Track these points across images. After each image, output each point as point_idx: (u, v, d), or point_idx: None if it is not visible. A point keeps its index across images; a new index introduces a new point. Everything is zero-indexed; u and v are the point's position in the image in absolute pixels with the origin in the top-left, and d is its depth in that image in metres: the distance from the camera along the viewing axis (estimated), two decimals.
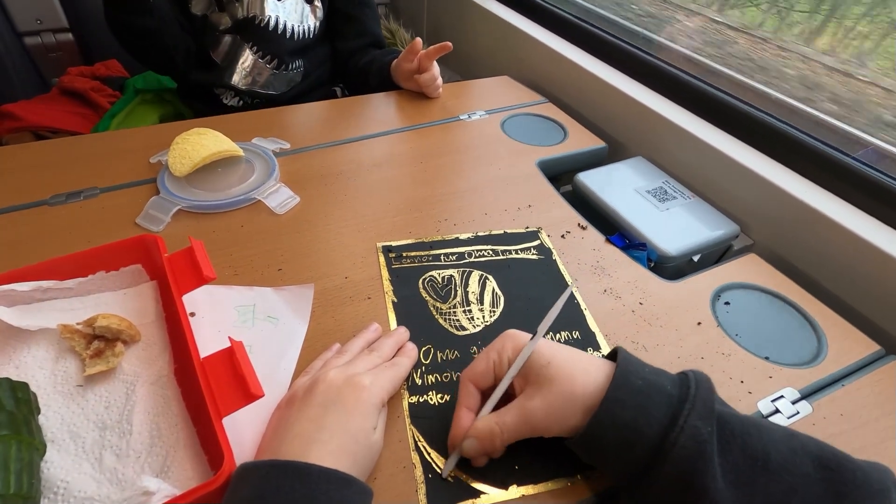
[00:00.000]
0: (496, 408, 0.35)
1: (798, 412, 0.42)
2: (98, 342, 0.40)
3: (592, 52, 0.88)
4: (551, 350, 0.34)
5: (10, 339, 0.40)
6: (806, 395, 0.44)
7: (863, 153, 0.67)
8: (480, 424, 0.34)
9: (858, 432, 0.41)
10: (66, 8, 1.11)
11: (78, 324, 0.40)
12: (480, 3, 1.10)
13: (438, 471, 0.36)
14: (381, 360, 0.40)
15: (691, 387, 0.31)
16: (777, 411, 0.42)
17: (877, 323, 0.53)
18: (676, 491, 0.29)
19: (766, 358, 0.46)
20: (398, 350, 0.42)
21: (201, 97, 0.87)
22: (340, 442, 0.32)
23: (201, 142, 0.61)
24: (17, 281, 0.40)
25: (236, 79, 0.84)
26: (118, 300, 0.45)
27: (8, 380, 0.33)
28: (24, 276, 0.41)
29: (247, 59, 0.83)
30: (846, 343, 0.49)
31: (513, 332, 0.37)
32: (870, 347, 0.48)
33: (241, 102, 0.87)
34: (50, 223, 0.54)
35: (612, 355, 0.35)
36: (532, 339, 0.35)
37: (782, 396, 0.43)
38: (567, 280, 0.52)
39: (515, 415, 0.33)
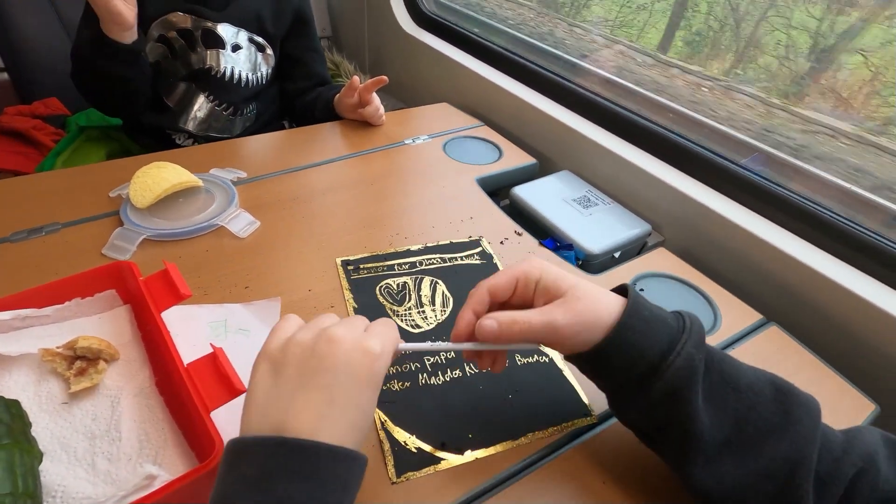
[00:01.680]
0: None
1: None
2: (80, 362, 0.43)
3: (520, 79, 0.98)
4: (573, 276, 0.37)
5: None
6: None
7: (752, 158, 0.79)
8: (506, 316, 0.36)
9: None
10: (1, 47, 1.11)
11: (58, 347, 0.43)
12: (416, 36, 1.19)
13: (403, 444, 0.41)
14: (364, 325, 0.36)
15: (686, 322, 0.37)
16: None
17: (760, 297, 0.64)
18: (664, 402, 0.34)
19: None
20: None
21: (154, 136, 0.90)
22: (352, 419, 0.30)
23: (161, 174, 0.64)
24: None
25: (191, 125, 0.87)
26: (94, 324, 0.48)
27: (1, 397, 0.36)
28: (3, 306, 0.43)
29: (202, 107, 0.86)
30: (736, 315, 0.59)
31: (540, 260, 0.38)
32: (754, 317, 0.59)
33: (195, 143, 0.90)
34: (14, 259, 0.56)
35: (619, 290, 0.39)
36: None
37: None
38: None
39: (541, 319, 0.35)
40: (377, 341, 0.33)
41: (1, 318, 0.43)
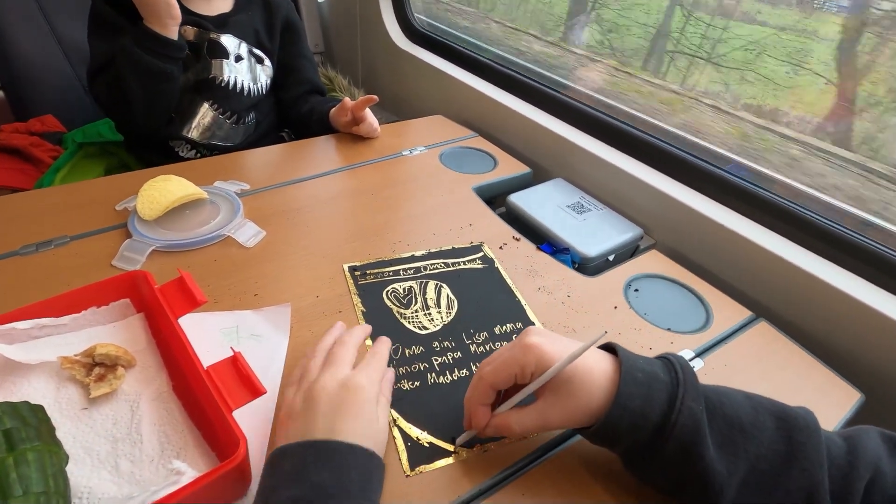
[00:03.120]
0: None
1: (694, 367, 0.53)
2: (99, 368, 0.44)
3: (511, 91, 1.02)
4: (571, 366, 0.37)
5: (9, 376, 0.43)
6: (699, 354, 0.55)
7: (729, 167, 0.83)
8: (502, 420, 0.39)
9: (738, 377, 0.53)
10: None
11: (76, 355, 0.44)
12: (409, 51, 1.22)
13: (416, 440, 0.43)
14: (355, 349, 0.43)
15: (678, 372, 0.37)
16: None
17: (749, 294, 0.67)
18: (678, 460, 0.35)
19: (668, 329, 0.58)
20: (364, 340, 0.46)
21: (156, 149, 0.91)
22: (362, 425, 0.37)
23: (167, 187, 0.66)
24: (16, 320, 0.44)
25: (195, 133, 0.89)
26: (108, 332, 0.49)
27: (27, 403, 0.37)
28: (23, 316, 0.44)
29: (206, 115, 0.88)
30: (726, 312, 0.61)
31: (536, 344, 0.38)
32: (743, 314, 0.61)
33: (198, 155, 0.92)
34: (25, 272, 0.57)
35: (605, 346, 0.40)
36: (557, 364, 0.37)
37: (675, 353, 0.54)
38: (509, 283, 0.62)
39: (535, 419, 0.38)
40: (362, 375, 0.40)
41: (21, 327, 0.44)
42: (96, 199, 0.69)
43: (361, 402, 0.38)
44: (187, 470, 0.34)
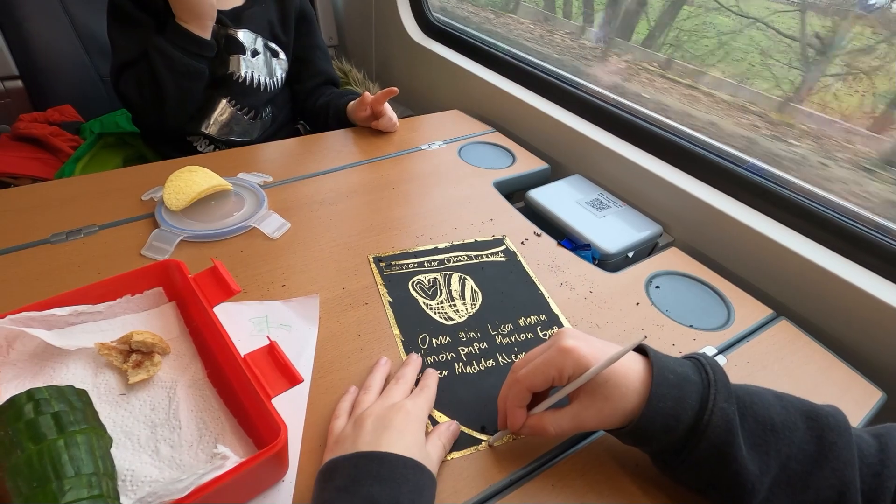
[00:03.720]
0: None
1: None
2: (136, 355, 0.45)
3: (528, 86, 1.02)
4: (608, 369, 0.38)
5: (48, 361, 0.44)
6: (721, 351, 0.56)
7: (746, 167, 0.83)
8: (537, 422, 0.40)
9: (760, 374, 0.54)
10: (16, 55, 1.12)
11: (112, 342, 0.45)
12: (424, 45, 1.22)
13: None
14: (408, 387, 0.45)
15: (709, 372, 0.37)
16: None
17: (768, 293, 0.67)
18: (710, 461, 0.35)
19: (690, 325, 0.58)
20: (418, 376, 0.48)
21: (172, 144, 0.91)
22: (411, 439, 0.38)
23: (193, 178, 0.66)
24: (55, 307, 0.45)
25: (213, 129, 0.89)
26: (142, 320, 0.50)
27: (71, 387, 0.38)
28: (61, 303, 0.45)
29: (224, 111, 0.89)
30: (748, 310, 0.62)
31: (573, 347, 0.38)
32: (765, 312, 0.62)
33: (216, 150, 0.92)
34: (56, 259, 0.57)
35: (637, 347, 0.40)
36: (595, 367, 0.37)
37: (704, 353, 0.55)
38: (531, 276, 0.62)
39: (570, 421, 0.39)
40: (409, 402, 0.42)
41: (59, 313, 0.45)
42: (121, 189, 0.70)
43: (408, 420, 0.39)
44: (231, 455, 0.35)
